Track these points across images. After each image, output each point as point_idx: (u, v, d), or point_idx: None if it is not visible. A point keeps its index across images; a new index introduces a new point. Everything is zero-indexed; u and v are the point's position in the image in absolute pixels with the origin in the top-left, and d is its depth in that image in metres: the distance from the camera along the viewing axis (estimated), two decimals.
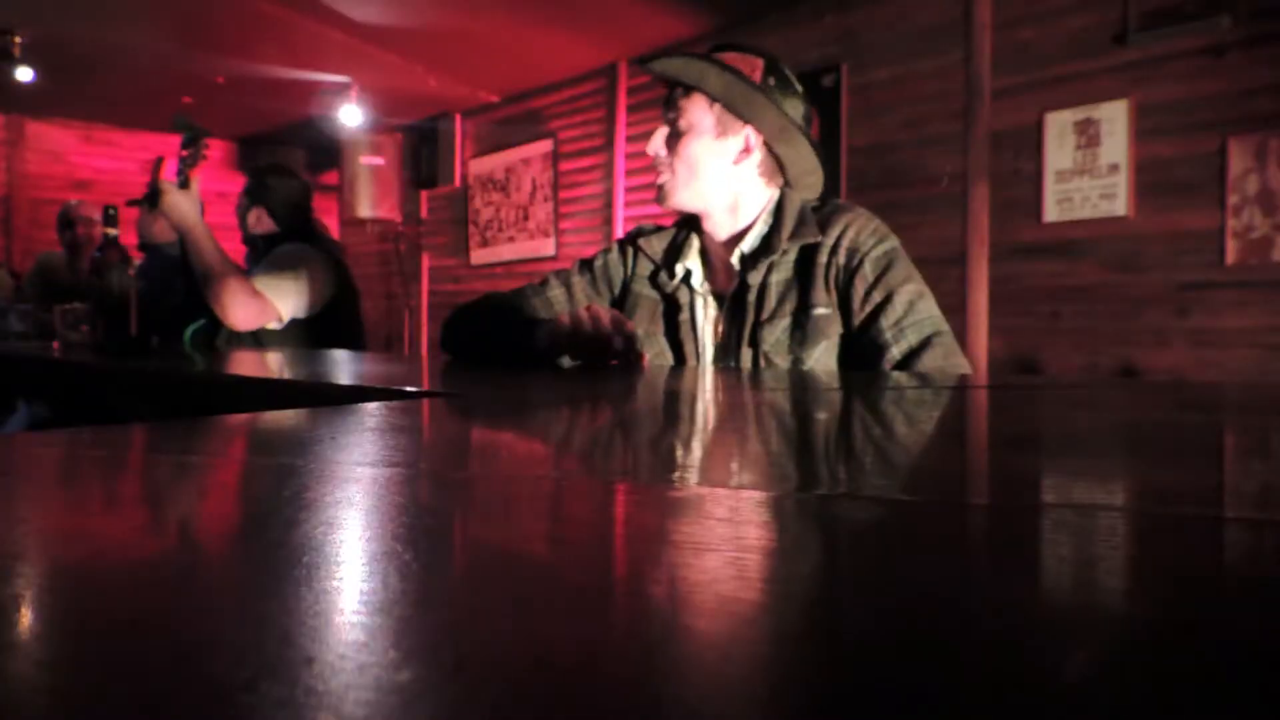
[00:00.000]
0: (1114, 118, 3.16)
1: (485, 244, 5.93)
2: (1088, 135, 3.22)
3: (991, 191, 3.48)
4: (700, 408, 0.82)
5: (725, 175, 1.42)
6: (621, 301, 1.54)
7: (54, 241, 4.15)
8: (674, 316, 1.48)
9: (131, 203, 2.38)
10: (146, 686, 0.16)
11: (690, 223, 1.51)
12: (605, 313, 1.26)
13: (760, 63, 1.39)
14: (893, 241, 1.37)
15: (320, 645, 0.18)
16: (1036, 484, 0.43)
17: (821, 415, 0.77)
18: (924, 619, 0.21)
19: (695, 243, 1.49)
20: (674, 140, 1.43)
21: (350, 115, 5.53)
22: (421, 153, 6.17)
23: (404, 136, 6.21)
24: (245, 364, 1.44)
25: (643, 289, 1.52)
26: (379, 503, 0.35)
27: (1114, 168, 3.16)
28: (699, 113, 1.41)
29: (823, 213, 1.40)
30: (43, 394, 1.71)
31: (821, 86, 3.99)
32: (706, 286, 1.48)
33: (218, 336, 2.40)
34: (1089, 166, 3.21)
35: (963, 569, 0.27)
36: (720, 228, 1.46)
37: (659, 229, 1.57)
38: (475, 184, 6.00)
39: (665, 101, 1.46)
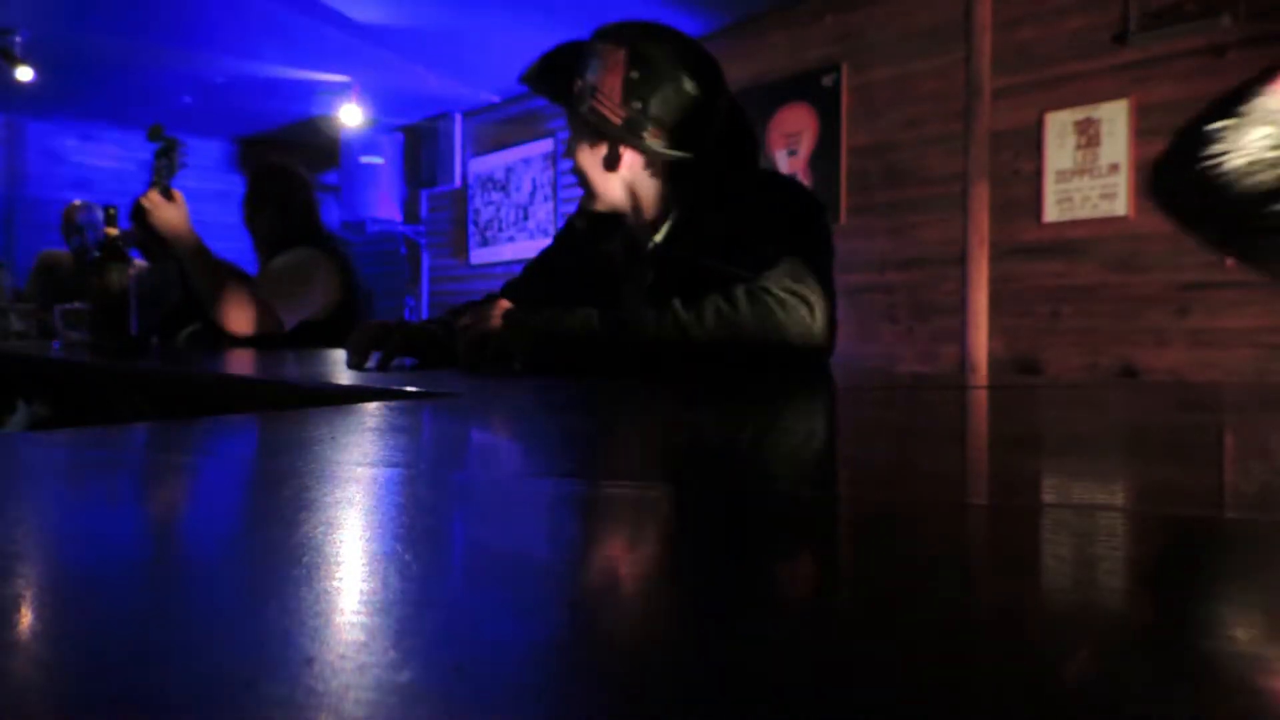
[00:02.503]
0: (1114, 118, 3.16)
1: (485, 244, 5.93)
2: (1088, 135, 3.22)
3: (991, 191, 3.48)
4: (685, 407, 0.82)
5: (611, 180, 1.37)
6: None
7: (55, 241, 4.14)
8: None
9: (126, 231, 2.35)
10: (147, 686, 0.16)
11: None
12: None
13: (622, 54, 1.30)
14: (791, 193, 1.31)
15: (320, 645, 0.18)
16: (1037, 484, 0.43)
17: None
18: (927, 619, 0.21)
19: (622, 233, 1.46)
20: (570, 145, 1.40)
21: (350, 115, 5.53)
22: (421, 153, 6.17)
23: (404, 136, 6.21)
24: (245, 364, 1.44)
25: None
26: (379, 503, 0.35)
27: (1114, 167, 3.16)
28: (574, 121, 1.37)
29: (741, 186, 1.34)
30: (43, 394, 1.71)
31: (821, 86, 3.99)
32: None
33: (221, 339, 2.39)
34: (1089, 166, 3.21)
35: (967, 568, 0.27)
36: (636, 223, 1.41)
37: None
38: (475, 184, 6.00)
39: None
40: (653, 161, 1.34)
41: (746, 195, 1.30)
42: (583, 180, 1.39)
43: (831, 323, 1.24)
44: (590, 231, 1.49)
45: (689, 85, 1.30)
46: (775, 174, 1.36)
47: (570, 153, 1.39)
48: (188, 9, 4.29)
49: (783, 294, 1.19)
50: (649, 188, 1.37)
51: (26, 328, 2.89)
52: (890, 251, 3.74)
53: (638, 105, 1.29)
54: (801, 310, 1.19)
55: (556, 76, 1.37)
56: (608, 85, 1.29)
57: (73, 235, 3.90)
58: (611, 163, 1.35)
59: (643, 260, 1.40)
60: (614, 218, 1.46)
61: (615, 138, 1.32)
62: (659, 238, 1.38)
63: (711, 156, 1.34)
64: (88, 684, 0.17)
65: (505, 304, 1.29)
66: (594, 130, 1.33)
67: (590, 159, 1.36)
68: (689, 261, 1.30)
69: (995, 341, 3.47)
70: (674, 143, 1.32)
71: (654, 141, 1.31)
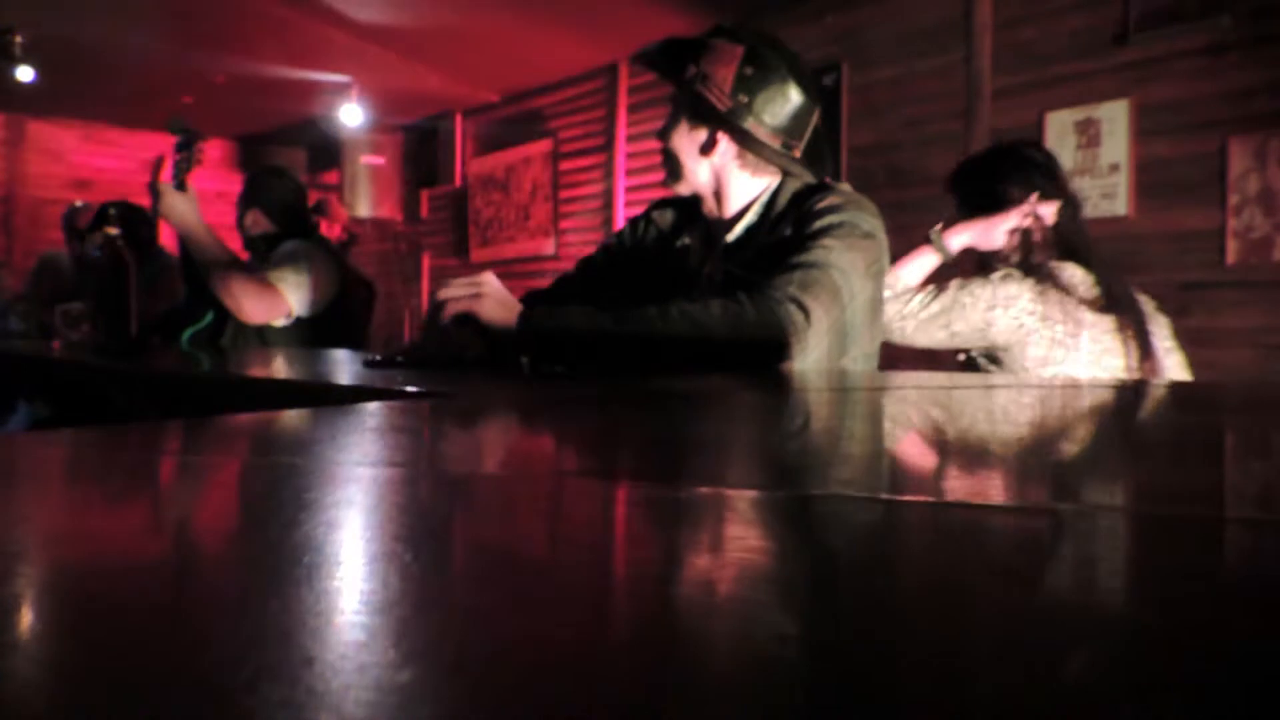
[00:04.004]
0: (1114, 118, 3.16)
1: (485, 244, 5.92)
2: (1088, 135, 3.22)
3: None
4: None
5: (701, 164, 1.42)
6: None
7: (55, 241, 4.14)
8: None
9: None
10: (147, 687, 0.16)
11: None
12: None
13: (740, 51, 1.37)
14: (851, 215, 1.32)
15: (320, 645, 0.18)
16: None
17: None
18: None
19: (700, 220, 1.50)
20: (667, 125, 1.46)
21: (350, 115, 5.53)
22: (421, 153, 6.17)
23: (404, 136, 6.21)
24: (245, 364, 1.44)
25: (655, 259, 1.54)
26: (379, 503, 0.35)
27: (1114, 168, 3.16)
28: (678, 101, 1.44)
29: (813, 198, 1.38)
30: (43, 394, 1.71)
31: (822, 86, 3.99)
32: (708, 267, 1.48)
33: (222, 337, 2.40)
34: (1089, 166, 3.21)
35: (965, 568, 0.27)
36: (711, 213, 1.46)
37: (672, 202, 1.58)
38: (475, 184, 6.00)
39: None
40: (744, 154, 1.40)
41: (816, 206, 1.35)
42: (671, 161, 1.45)
43: (839, 332, 1.28)
44: (671, 224, 1.55)
45: (794, 94, 1.38)
46: (848, 191, 1.40)
47: (665, 133, 1.45)
48: (188, 9, 4.30)
49: (778, 298, 1.20)
50: (736, 180, 1.43)
51: (27, 328, 2.89)
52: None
53: (744, 99, 1.36)
54: (795, 316, 1.21)
55: (671, 60, 1.45)
56: (720, 75, 1.37)
57: (73, 236, 3.89)
58: (707, 147, 1.41)
59: (716, 254, 1.44)
60: (693, 213, 1.51)
61: (716, 123, 1.39)
62: (732, 237, 1.42)
63: (798, 165, 1.42)
64: (87, 684, 0.17)
65: (490, 275, 1.28)
66: (697, 113, 1.40)
67: (686, 140, 1.42)
68: (752, 261, 1.36)
69: None
70: (769, 142, 1.39)
71: (751, 136, 1.38)
